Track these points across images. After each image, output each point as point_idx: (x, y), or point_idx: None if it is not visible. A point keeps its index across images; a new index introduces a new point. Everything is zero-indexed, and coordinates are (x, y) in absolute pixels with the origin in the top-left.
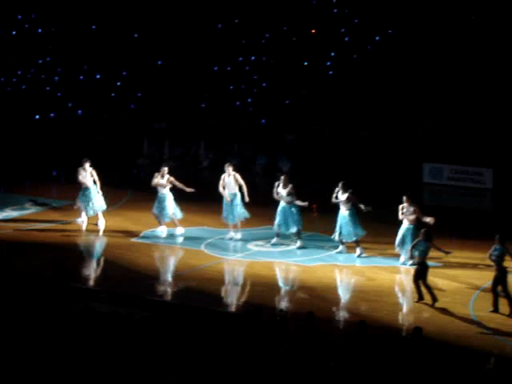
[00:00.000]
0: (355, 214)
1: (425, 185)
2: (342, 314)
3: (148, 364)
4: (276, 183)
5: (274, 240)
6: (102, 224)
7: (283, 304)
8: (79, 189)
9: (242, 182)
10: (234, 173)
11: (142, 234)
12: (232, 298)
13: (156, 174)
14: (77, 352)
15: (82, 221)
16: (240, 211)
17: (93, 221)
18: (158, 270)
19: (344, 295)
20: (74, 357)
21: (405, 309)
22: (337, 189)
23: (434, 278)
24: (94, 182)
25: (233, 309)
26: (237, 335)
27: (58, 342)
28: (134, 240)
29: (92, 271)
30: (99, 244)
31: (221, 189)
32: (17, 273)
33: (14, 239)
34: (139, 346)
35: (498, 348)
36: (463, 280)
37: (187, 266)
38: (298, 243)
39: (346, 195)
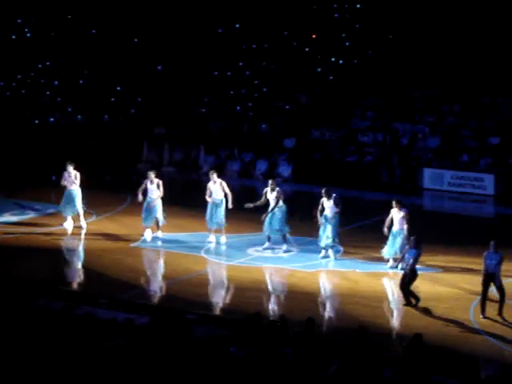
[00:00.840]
0: (338, 220)
1: (425, 190)
2: (342, 320)
3: (148, 370)
4: (265, 189)
5: (266, 244)
6: (84, 225)
7: (283, 309)
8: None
9: (227, 190)
10: (219, 180)
11: (142, 239)
12: (232, 303)
13: (144, 181)
14: (76, 358)
15: (69, 224)
16: (219, 218)
17: (95, 226)
18: (157, 276)
19: (343, 301)
20: (73, 363)
21: (405, 314)
22: (322, 199)
23: (435, 283)
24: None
25: (233, 314)
26: (237, 341)
27: (56, 348)
28: (133, 245)
29: (90, 277)
30: (98, 249)
31: (207, 197)
32: (13, 278)
33: (11, 244)
34: (139, 352)
35: (498, 354)
36: (464, 286)
37: (187, 272)
38: (284, 247)
39: (331, 201)
